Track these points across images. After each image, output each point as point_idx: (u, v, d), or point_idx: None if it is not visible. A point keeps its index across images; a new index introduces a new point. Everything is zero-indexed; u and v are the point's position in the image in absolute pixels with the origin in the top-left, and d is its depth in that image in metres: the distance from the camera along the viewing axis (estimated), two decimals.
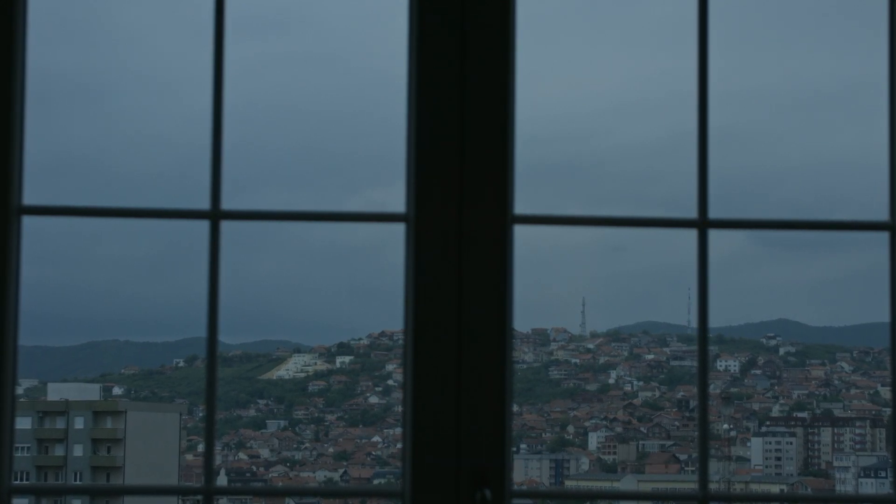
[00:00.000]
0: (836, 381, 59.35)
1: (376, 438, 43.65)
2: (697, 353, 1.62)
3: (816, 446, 55.23)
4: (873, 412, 56.57)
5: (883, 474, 48.28)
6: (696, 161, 1.61)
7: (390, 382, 47.74)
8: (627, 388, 58.22)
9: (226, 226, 1.63)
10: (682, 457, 50.34)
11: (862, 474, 46.66)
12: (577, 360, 56.87)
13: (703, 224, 1.64)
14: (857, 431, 54.75)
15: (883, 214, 1.66)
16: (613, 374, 57.94)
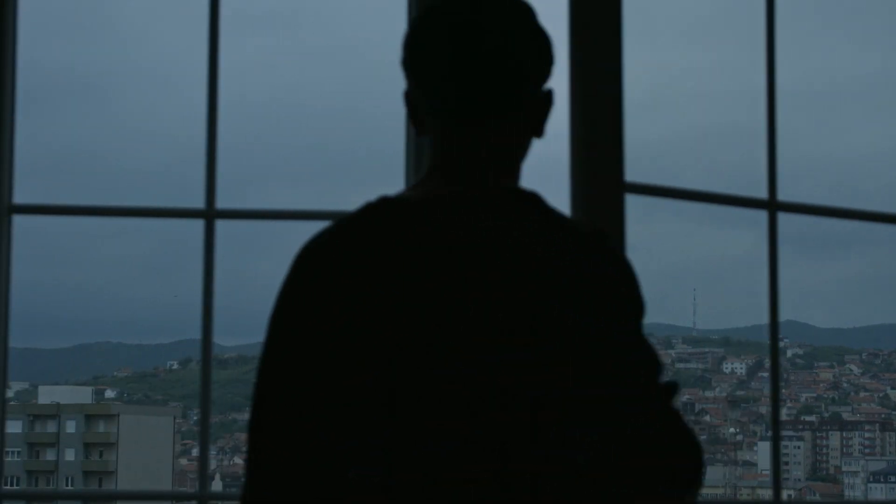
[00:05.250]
0: (845, 384, 59.07)
1: None
2: (770, 342, 1.56)
3: (824, 450, 54.94)
4: (882, 416, 56.24)
5: (892, 479, 48.00)
6: (766, 142, 1.57)
7: None
8: None
9: (222, 224, 1.59)
10: None
11: (871, 479, 46.39)
12: None
13: (773, 206, 1.60)
14: (867, 435, 54.43)
15: None
16: None
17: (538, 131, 1.00)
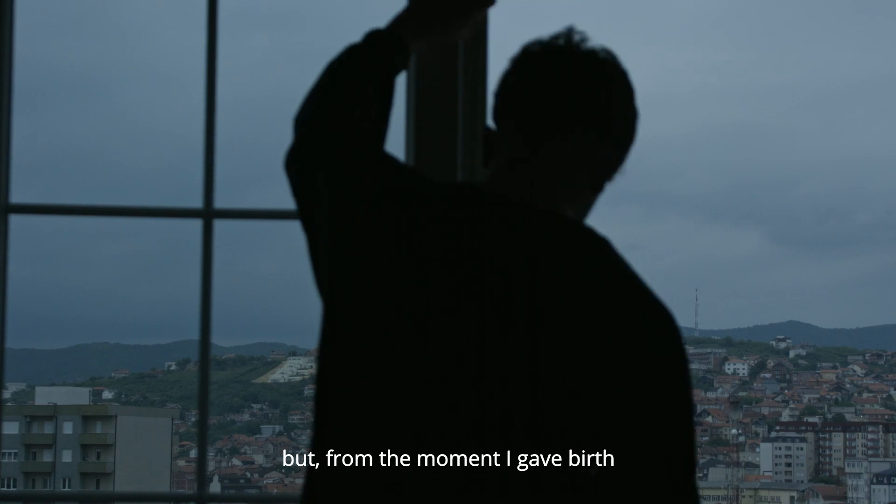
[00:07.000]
0: (848, 385, 58.95)
1: None
2: None
3: (828, 452, 54.82)
4: (886, 417, 56.07)
5: None
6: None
7: None
8: None
9: (220, 224, 1.57)
10: None
11: (874, 480, 46.31)
12: None
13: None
14: (870, 437, 54.29)
15: None
16: None
17: (598, 185, 1.06)
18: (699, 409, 54.91)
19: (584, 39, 1.05)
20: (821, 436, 56.48)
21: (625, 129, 1.05)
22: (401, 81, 1.22)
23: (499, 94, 1.06)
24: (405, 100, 1.46)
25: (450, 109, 1.44)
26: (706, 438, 53.00)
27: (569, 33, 1.05)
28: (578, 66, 1.03)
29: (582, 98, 1.02)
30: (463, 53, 1.44)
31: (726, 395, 57.18)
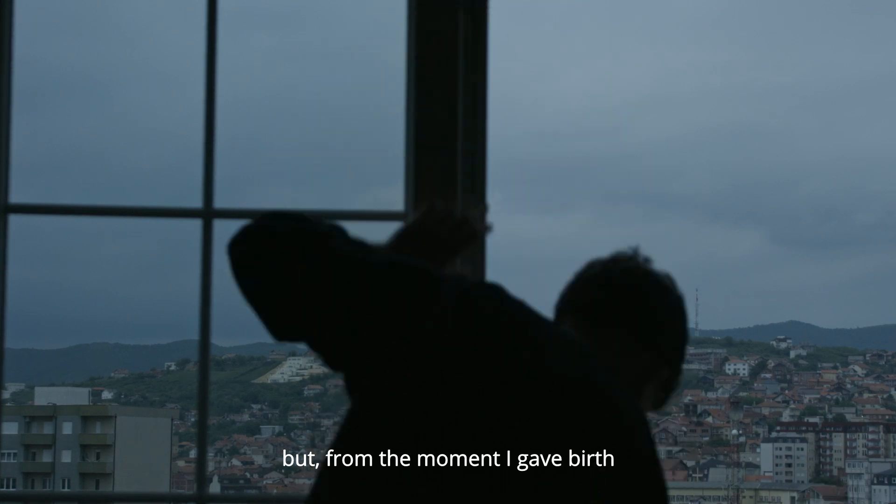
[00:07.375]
0: (849, 385, 58.91)
1: None
2: None
3: (828, 452, 54.81)
4: (887, 417, 56.03)
5: None
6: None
7: None
8: None
9: (220, 224, 1.56)
10: (690, 463, 50.04)
11: (875, 481, 46.30)
12: None
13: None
14: (871, 437, 54.27)
15: None
16: None
17: (639, 390, 1.08)
18: (700, 409, 54.84)
19: (647, 260, 1.11)
20: (821, 436, 56.38)
21: (671, 348, 1.09)
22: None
23: (558, 300, 1.12)
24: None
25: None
26: (706, 438, 52.97)
27: (634, 252, 1.11)
28: (636, 278, 1.09)
29: (632, 304, 1.07)
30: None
31: (727, 396, 57.14)
